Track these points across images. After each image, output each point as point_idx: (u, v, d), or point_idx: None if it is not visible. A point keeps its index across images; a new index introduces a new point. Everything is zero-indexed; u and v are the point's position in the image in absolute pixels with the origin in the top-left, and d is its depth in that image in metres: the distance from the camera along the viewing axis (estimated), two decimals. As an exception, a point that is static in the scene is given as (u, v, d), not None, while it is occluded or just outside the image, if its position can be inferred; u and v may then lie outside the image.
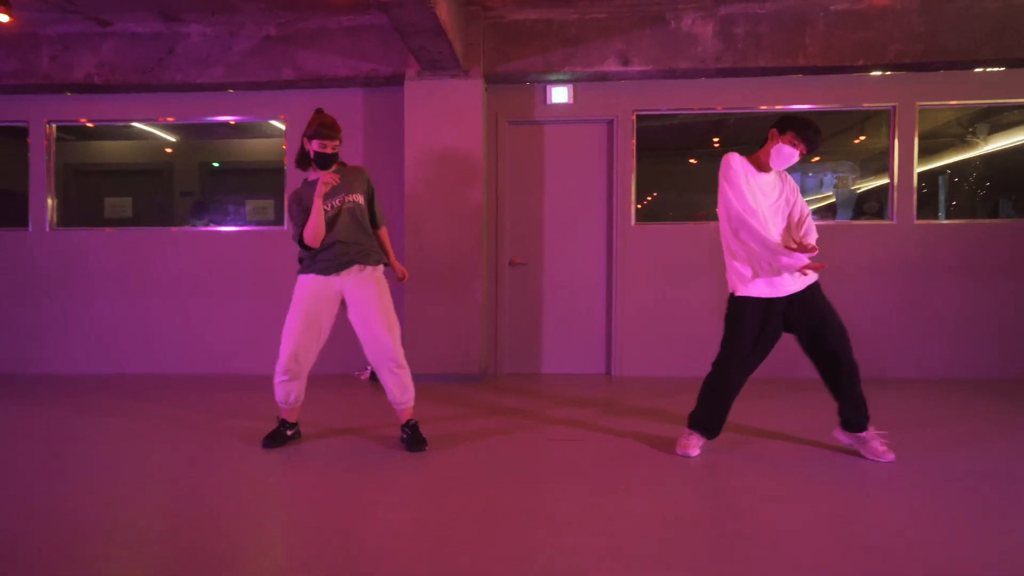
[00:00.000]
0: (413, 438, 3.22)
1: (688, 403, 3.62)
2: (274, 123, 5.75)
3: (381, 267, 3.28)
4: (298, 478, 2.89)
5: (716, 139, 6.10)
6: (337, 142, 3.18)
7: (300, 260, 3.27)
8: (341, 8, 5.04)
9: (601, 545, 2.17)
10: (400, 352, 3.20)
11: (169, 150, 6.44)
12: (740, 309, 3.04)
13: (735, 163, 2.99)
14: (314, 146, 3.15)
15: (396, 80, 5.29)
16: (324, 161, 3.19)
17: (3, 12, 4.62)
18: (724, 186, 2.98)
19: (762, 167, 3.08)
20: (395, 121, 5.48)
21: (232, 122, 5.82)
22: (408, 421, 3.27)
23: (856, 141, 5.94)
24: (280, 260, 5.52)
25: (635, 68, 5.12)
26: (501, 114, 5.53)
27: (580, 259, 5.60)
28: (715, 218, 5.61)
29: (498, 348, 5.62)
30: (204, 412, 4.18)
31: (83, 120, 5.79)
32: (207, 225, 5.89)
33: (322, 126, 3.12)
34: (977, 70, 5.18)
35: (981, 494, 2.63)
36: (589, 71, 5.16)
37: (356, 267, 3.19)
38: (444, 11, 4.21)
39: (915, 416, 3.96)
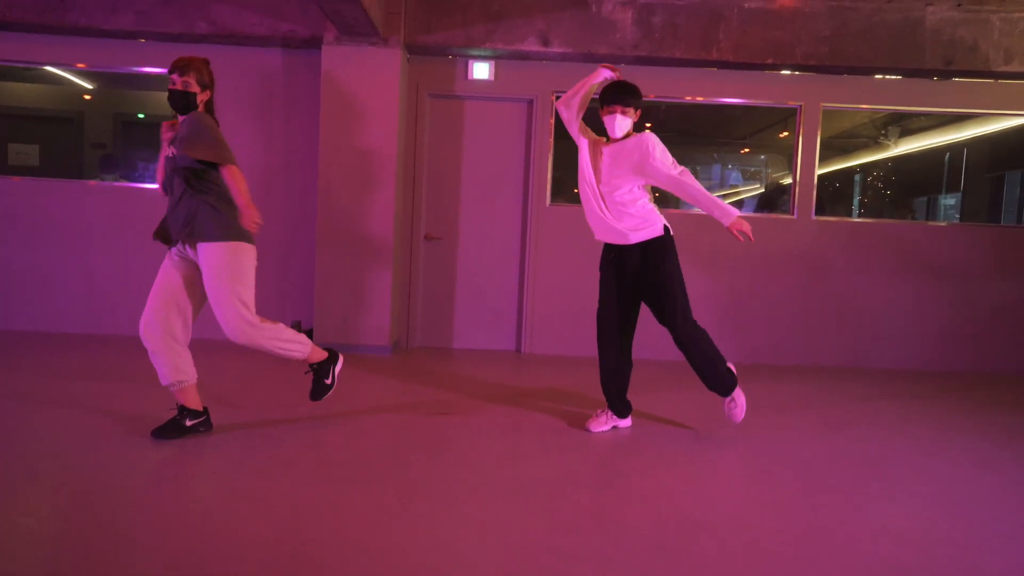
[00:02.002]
0: (315, 387, 3.19)
1: (586, 380, 3.75)
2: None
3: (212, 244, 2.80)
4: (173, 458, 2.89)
5: (648, 124, 6.26)
6: (187, 78, 2.79)
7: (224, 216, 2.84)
8: (258, -37, 4.90)
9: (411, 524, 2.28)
10: (241, 325, 2.82)
11: (88, 97, 6.16)
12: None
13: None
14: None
15: (315, 43, 5.19)
16: (173, 100, 2.82)
17: None
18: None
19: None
20: (314, 85, 5.39)
21: (151, 74, 5.60)
22: (312, 365, 3.17)
23: (781, 136, 6.19)
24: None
25: (555, 49, 5.17)
26: (422, 86, 5.51)
27: (495, 236, 5.67)
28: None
29: (410, 321, 5.67)
30: (83, 377, 4.10)
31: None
32: (116, 180, 5.70)
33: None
34: (877, 76, 5.43)
35: (801, 477, 2.85)
36: (510, 49, 5.18)
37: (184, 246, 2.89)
38: (357, -24, 4.16)
39: (777, 400, 4.22)
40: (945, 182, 6.34)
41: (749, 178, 6.50)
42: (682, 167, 3.12)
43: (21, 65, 5.61)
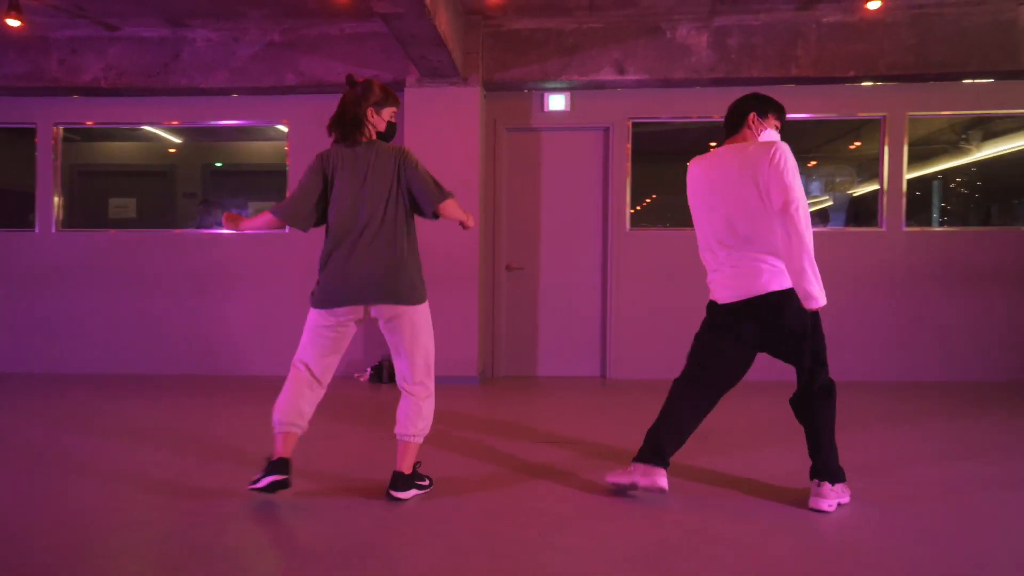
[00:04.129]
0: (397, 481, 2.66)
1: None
2: (279, 127, 5.85)
3: None
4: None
5: (712, 143, 6.22)
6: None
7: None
8: (344, 15, 5.14)
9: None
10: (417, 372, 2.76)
11: (172, 151, 6.55)
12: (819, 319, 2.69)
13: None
14: (387, 115, 2.79)
15: (397, 86, 5.38)
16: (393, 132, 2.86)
17: (14, 17, 4.71)
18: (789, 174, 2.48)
19: None
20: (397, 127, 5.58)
21: (236, 126, 5.91)
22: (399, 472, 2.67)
23: (851, 147, 6.05)
24: (285, 261, 5.63)
25: (631, 77, 5.23)
26: (499, 120, 5.64)
27: (576, 264, 5.70)
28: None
29: (495, 351, 5.72)
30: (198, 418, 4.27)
31: (90, 123, 5.89)
32: (218, 221, 5.98)
33: (391, 93, 2.78)
34: (966, 81, 5.29)
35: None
36: (585, 80, 5.27)
37: None
38: (444, 22, 4.32)
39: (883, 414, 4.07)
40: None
41: (822, 190, 6.34)
42: None
43: (125, 127, 5.99)
